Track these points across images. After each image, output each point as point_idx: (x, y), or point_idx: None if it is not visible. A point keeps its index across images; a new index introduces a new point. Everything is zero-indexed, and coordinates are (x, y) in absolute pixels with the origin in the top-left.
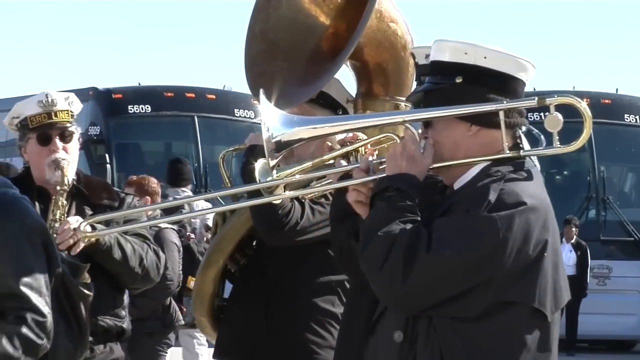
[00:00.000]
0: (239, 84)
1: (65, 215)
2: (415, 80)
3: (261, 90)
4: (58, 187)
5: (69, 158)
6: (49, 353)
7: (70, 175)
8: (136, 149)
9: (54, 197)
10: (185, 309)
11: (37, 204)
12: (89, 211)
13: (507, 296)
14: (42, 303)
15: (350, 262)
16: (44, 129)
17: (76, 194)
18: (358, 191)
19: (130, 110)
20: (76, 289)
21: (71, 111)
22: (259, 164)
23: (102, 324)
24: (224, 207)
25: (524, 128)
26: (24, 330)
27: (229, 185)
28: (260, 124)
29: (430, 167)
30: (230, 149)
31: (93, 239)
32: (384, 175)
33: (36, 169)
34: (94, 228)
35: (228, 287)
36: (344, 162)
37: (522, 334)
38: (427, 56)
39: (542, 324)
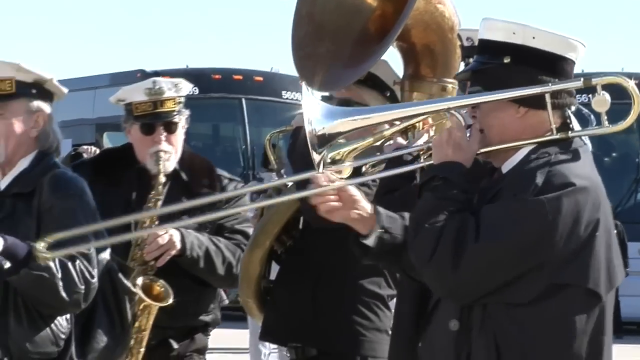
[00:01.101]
0: (287, 66)
1: (156, 223)
2: (462, 61)
3: (303, 84)
4: (150, 196)
5: (171, 149)
6: (89, 347)
7: (171, 165)
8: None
9: (145, 206)
10: (228, 289)
11: (135, 183)
12: (184, 200)
13: (561, 279)
14: (90, 267)
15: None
16: (148, 118)
17: (176, 180)
18: (322, 204)
19: None
20: (123, 286)
21: (178, 98)
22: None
23: (190, 320)
24: (275, 199)
25: (573, 108)
26: (70, 266)
27: (275, 167)
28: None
29: (478, 152)
30: (277, 131)
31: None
32: (431, 163)
33: (139, 154)
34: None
35: (274, 268)
36: (400, 140)
37: (576, 316)
38: (469, 39)
39: (596, 304)
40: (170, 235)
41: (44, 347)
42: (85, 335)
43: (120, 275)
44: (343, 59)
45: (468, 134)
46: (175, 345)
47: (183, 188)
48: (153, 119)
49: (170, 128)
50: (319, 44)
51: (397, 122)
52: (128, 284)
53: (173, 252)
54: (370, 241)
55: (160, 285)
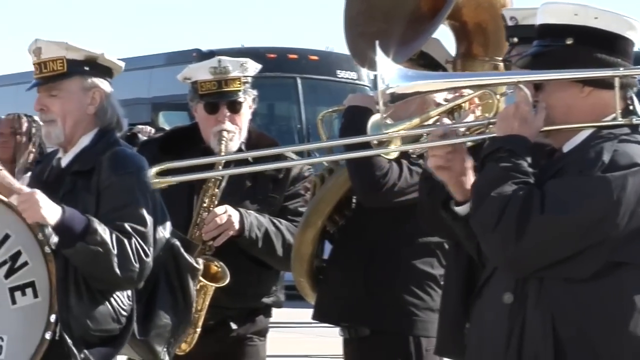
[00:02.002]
0: (342, 45)
1: (215, 203)
2: (506, 40)
3: (377, 42)
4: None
5: (235, 129)
6: (152, 325)
7: (235, 145)
8: None
9: (204, 185)
10: None
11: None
12: (248, 182)
13: (620, 257)
14: (146, 246)
15: (428, 220)
16: (212, 97)
17: (240, 160)
18: (437, 156)
19: None
20: (186, 262)
21: (244, 77)
22: (370, 120)
23: (250, 302)
24: (329, 157)
25: (634, 89)
26: (127, 243)
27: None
28: (363, 85)
29: (541, 129)
30: (330, 110)
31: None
32: (494, 135)
33: (204, 132)
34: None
35: (327, 247)
36: (446, 120)
37: (633, 294)
38: (512, 18)
39: None
40: (229, 215)
41: (105, 324)
42: (148, 312)
43: (184, 252)
44: (395, 38)
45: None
46: (234, 326)
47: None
48: (217, 98)
49: (235, 108)
50: (371, 23)
51: (445, 102)
52: (191, 260)
53: (231, 233)
54: (462, 209)
55: (217, 266)
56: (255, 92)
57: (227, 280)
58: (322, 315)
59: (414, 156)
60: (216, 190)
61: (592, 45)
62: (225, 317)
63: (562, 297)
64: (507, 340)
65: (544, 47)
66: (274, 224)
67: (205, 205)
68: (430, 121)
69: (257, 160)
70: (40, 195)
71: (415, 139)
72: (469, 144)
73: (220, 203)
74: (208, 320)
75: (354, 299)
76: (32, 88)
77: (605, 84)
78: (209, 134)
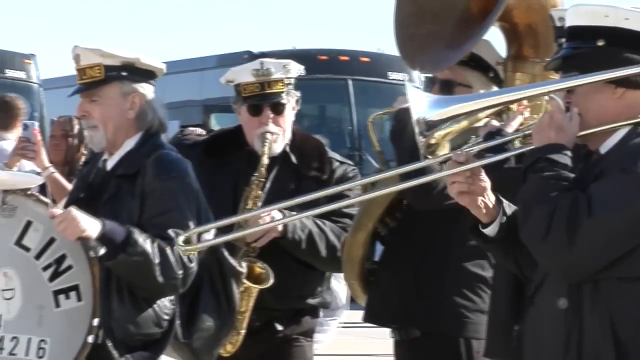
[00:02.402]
0: (393, 47)
1: (258, 205)
2: (554, 41)
3: (407, 81)
4: (253, 177)
5: (279, 130)
6: (195, 328)
7: (279, 147)
8: None
9: (247, 187)
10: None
11: (244, 165)
12: (292, 184)
13: None
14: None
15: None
16: (255, 99)
17: (284, 161)
18: (458, 183)
19: None
20: (230, 266)
21: (287, 79)
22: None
23: (296, 303)
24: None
25: None
26: (169, 251)
27: (378, 148)
28: (414, 87)
29: (577, 134)
30: (380, 112)
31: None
32: (533, 147)
33: (247, 135)
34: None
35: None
36: (495, 122)
37: None
38: (561, 19)
39: None
40: (272, 217)
41: (146, 328)
42: (191, 315)
43: (227, 255)
44: (445, 40)
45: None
46: (279, 327)
47: (292, 170)
48: (260, 99)
49: (278, 109)
50: (422, 25)
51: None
52: (234, 263)
53: (274, 234)
54: (490, 230)
55: (261, 267)
56: (298, 94)
57: (271, 282)
58: (373, 317)
59: None
60: (259, 192)
61: (623, 46)
62: (271, 318)
63: (618, 297)
64: (565, 345)
65: (575, 49)
66: (317, 225)
67: (248, 206)
68: (481, 123)
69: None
70: (76, 212)
71: (465, 141)
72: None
73: (264, 205)
74: (254, 321)
75: (405, 300)
76: (73, 94)
77: (638, 84)
78: (253, 136)
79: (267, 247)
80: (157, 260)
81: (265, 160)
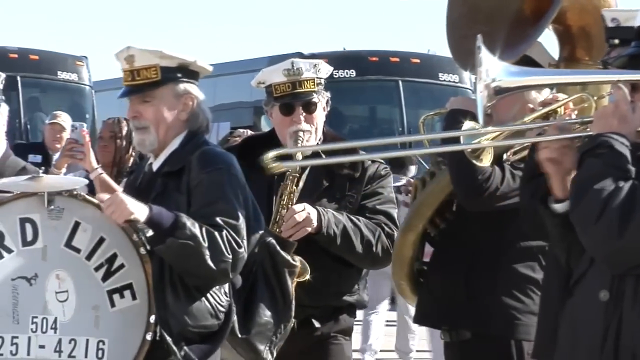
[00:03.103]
0: (444, 48)
1: (293, 201)
2: (605, 42)
3: (479, 37)
4: (288, 173)
5: (311, 128)
6: (252, 323)
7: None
8: (341, 113)
9: (282, 183)
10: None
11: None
12: (325, 182)
13: None
14: (238, 238)
15: (530, 223)
16: (287, 99)
17: (317, 158)
18: (550, 148)
19: (335, 75)
20: (283, 260)
21: (317, 79)
22: (465, 126)
23: (332, 300)
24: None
25: None
26: (217, 235)
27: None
28: (465, 88)
29: (638, 129)
30: (431, 113)
31: (313, 229)
32: (594, 133)
33: (280, 135)
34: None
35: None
36: (570, 119)
37: None
38: (614, 19)
39: None
40: (307, 212)
41: (203, 320)
42: (248, 310)
43: (280, 249)
44: (498, 41)
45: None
46: (317, 325)
47: (324, 169)
48: (292, 99)
49: (310, 108)
50: (474, 26)
51: (540, 108)
52: (288, 257)
53: (309, 229)
54: (561, 207)
55: (297, 262)
56: (328, 95)
57: (308, 275)
58: (423, 318)
59: (516, 160)
60: (294, 187)
61: None
62: (308, 316)
63: None
64: (603, 337)
65: None
66: (351, 220)
67: (284, 202)
68: (527, 126)
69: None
70: (123, 195)
71: (507, 148)
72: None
73: (299, 202)
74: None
75: (455, 302)
76: (123, 96)
77: None
78: (285, 135)
79: (304, 245)
80: (206, 244)
81: (299, 157)
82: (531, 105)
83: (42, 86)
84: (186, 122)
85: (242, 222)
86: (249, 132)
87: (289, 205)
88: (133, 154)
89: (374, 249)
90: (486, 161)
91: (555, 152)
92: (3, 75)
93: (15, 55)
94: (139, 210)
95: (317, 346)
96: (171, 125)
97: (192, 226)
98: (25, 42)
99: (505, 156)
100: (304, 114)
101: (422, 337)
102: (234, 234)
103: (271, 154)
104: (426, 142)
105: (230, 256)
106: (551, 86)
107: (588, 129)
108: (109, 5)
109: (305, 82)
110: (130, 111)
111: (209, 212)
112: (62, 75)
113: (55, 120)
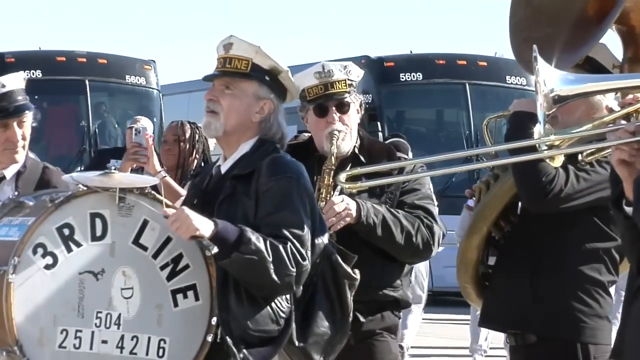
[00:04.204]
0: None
1: (331, 193)
2: None
3: (535, 47)
4: (324, 167)
5: (346, 129)
6: (310, 332)
7: (347, 145)
8: (408, 116)
9: (319, 176)
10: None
11: (316, 171)
12: (364, 177)
13: None
14: (303, 250)
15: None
16: (320, 100)
17: (354, 161)
18: (622, 150)
19: (402, 78)
20: (344, 272)
21: (349, 80)
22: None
23: (376, 294)
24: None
25: None
26: (282, 248)
27: (493, 153)
28: (532, 90)
29: None
30: (494, 116)
31: (353, 220)
32: None
33: (316, 139)
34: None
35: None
36: (624, 123)
37: None
38: None
39: None
40: (346, 203)
41: (264, 325)
42: (306, 319)
43: (341, 261)
44: (561, 42)
45: None
46: (362, 319)
47: (361, 164)
48: (325, 100)
49: (343, 108)
50: (537, 28)
51: (617, 108)
52: (349, 270)
53: (349, 219)
54: (632, 210)
55: (357, 274)
56: (362, 97)
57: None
58: (488, 322)
59: (583, 162)
60: (331, 180)
61: None
62: (355, 311)
63: None
64: None
65: None
66: (391, 212)
67: (322, 196)
68: (610, 126)
69: None
70: (189, 210)
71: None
72: None
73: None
74: None
75: (521, 305)
76: (212, 78)
77: None
78: (321, 137)
79: (345, 239)
80: (270, 258)
81: (334, 150)
82: (609, 105)
83: (110, 90)
84: (258, 126)
85: (307, 233)
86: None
87: (327, 198)
88: (197, 157)
89: (414, 239)
90: (558, 162)
91: (626, 154)
92: (24, 74)
93: (84, 60)
94: (204, 226)
95: (363, 342)
96: (242, 121)
97: (257, 241)
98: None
99: (580, 157)
100: (338, 114)
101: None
102: (298, 246)
103: (343, 176)
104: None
105: (294, 269)
106: (608, 92)
107: None
108: (179, 10)
109: (337, 83)
110: (209, 93)
111: (274, 221)
112: (130, 79)
113: (135, 125)
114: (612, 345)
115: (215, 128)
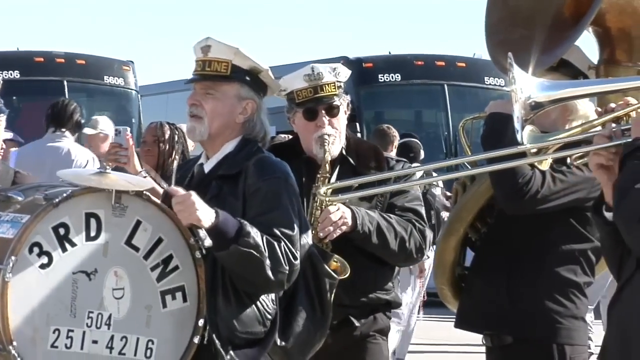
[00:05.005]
0: None
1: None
2: None
3: (510, 54)
4: (318, 175)
5: (335, 132)
6: (291, 332)
7: (337, 149)
8: (387, 117)
9: (314, 185)
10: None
11: (304, 172)
12: (345, 192)
13: None
14: (294, 249)
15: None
16: (310, 104)
17: (343, 162)
18: (599, 155)
19: (381, 79)
20: (325, 272)
21: (338, 82)
22: (525, 131)
23: (370, 298)
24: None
25: None
26: (277, 246)
27: (469, 152)
28: (510, 91)
29: None
30: (471, 117)
31: (349, 228)
32: (634, 138)
33: (304, 142)
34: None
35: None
36: (614, 126)
37: None
38: None
39: None
40: (342, 212)
41: (251, 326)
42: (287, 319)
43: (322, 262)
44: (537, 45)
45: None
46: (356, 324)
47: (351, 171)
48: (315, 103)
49: (332, 112)
50: (513, 30)
51: (592, 112)
52: (329, 270)
53: (344, 228)
54: (612, 215)
55: (335, 260)
56: (348, 98)
57: (348, 273)
58: (464, 323)
59: (571, 165)
60: (325, 189)
61: None
62: (347, 315)
63: None
64: None
65: None
66: (384, 218)
67: (316, 204)
68: (597, 129)
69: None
70: (195, 197)
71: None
72: None
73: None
74: (332, 319)
75: (497, 306)
76: (190, 82)
77: None
78: (310, 140)
79: (340, 245)
80: (267, 254)
81: (327, 158)
82: (599, 109)
83: (88, 91)
84: (242, 126)
85: (296, 233)
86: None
87: (322, 207)
88: (177, 157)
89: (408, 245)
90: (545, 165)
91: (604, 159)
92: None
93: (63, 60)
94: (206, 217)
95: (356, 345)
96: (225, 123)
97: (256, 235)
98: (72, 47)
99: (568, 160)
100: (328, 117)
101: None
102: (290, 246)
103: (323, 189)
104: (466, 149)
105: (288, 268)
106: (584, 97)
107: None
108: (156, 10)
109: (327, 86)
110: (191, 98)
111: (265, 221)
112: (109, 79)
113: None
114: (587, 346)
115: (200, 132)
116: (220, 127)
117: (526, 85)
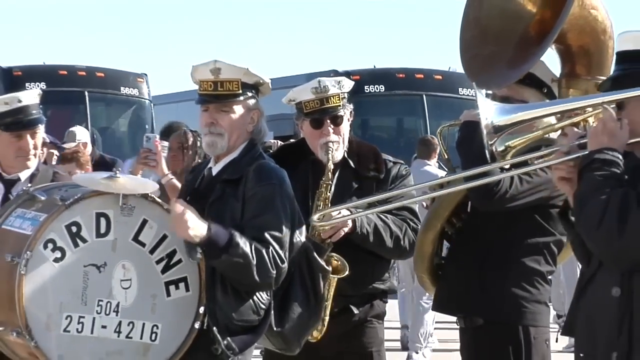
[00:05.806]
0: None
1: (328, 206)
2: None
3: (474, 84)
4: (321, 182)
5: (339, 139)
6: (287, 318)
7: (340, 154)
8: (372, 124)
9: (317, 190)
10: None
11: (310, 172)
12: (354, 184)
13: None
14: (282, 252)
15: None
16: (316, 114)
17: (345, 166)
18: (559, 169)
19: (367, 90)
20: (318, 264)
21: (342, 94)
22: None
23: (368, 288)
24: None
25: None
26: (265, 253)
27: (446, 156)
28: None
29: (628, 142)
30: (447, 124)
31: (349, 229)
32: (588, 151)
33: (311, 146)
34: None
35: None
36: (575, 129)
37: None
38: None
39: None
40: (343, 216)
41: (246, 315)
42: (283, 306)
43: (315, 254)
44: (506, 60)
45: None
46: (355, 311)
47: (352, 173)
48: (321, 114)
49: (337, 121)
50: (484, 46)
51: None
52: (322, 262)
53: (346, 230)
54: None
55: (336, 259)
56: (351, 106)
57: (347, 272)
58: (441, 307)
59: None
60: (328, 194)
61: None
62: (348, 304)
63: None
64: (618, 329)
65: (623, 71)
66: (381, 219)
67: (320, 207)
68: (558, 134)
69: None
70: (189, 215)
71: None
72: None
73: (332, 205)
74: (333, 307)
75: (470, 292)
76: (202, 103)
77: None
78: (316, 146)
79: (342, 243)
80: (254, 262)
81: (330, 166)
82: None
83: (107, 100)
84: (250, 134)
85: (286, 234)
86: (279, 143)
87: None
88: (199, 161)
89: (402, 242)
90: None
91: (564, 172)
92: (39, 90)
93: (84, 73)
94: (198, 231)
95: (355, 329)
96: (240, 134)
97: (244, 245)
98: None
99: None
100: (332, 126)
101: None
102: (278, 249)
103: (316, 216)
104: (443, 152)
105: (274, 272)
106: (540, 118)
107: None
108: (168, 29)
109: (332, 97)
110: (207, 117)
111: (258, 224)
112: (125, 90)
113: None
114: (549, 327)
115: (222, 147)
116: (238, 139)
117: (489, 111)
